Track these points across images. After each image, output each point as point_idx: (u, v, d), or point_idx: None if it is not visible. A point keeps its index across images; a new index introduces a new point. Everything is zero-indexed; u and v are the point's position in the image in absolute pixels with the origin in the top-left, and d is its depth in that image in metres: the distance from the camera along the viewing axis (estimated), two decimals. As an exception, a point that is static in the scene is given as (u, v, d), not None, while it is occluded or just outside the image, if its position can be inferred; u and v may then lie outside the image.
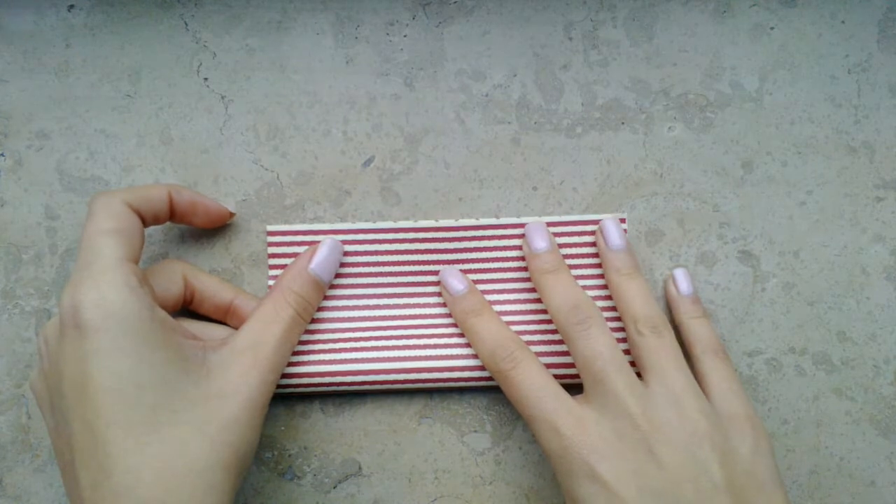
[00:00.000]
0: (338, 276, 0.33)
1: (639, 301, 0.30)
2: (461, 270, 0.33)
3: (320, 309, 0.33)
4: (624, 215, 0.33)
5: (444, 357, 0.33)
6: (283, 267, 0.33)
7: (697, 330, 0.31)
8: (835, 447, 0.33)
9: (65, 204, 0.34)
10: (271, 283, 0.33)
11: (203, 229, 0.33)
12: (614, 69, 0.34)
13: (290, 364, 0.32)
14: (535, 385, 0.29)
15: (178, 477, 0.25)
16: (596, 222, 0.33)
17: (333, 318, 0.33)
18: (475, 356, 0.32)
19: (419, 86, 0.34)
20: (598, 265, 0.33)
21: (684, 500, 0.26)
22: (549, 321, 0.33)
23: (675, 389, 0.28)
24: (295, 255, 0.33)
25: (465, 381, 0.33)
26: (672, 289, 0.33)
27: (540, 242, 0.32)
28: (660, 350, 0.29)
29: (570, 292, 0.30)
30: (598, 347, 0.29)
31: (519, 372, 0.30)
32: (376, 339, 0.33)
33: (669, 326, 0.30)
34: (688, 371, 0.29)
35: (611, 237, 0.32)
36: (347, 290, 0.33)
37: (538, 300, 0.33)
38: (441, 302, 0.33)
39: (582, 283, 0.33)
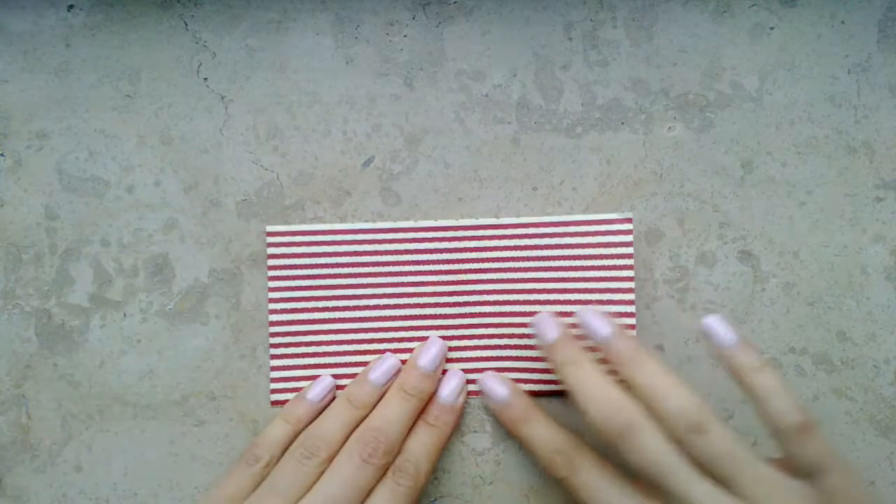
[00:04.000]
0: (338, 276, 0.33)
1: (661, 395, 0.27)
2: (461, 270, 0.33)
3: (320, 310, 0.33)
4: (630, 216, 0.33)
5: (446, 360, 0.33)
6: (283, 267, 0.33)
7: (764, 390, 0.27)
8: (835, 447, 0.33)
9: (65, 204, 0.34)
10: (271, 283, 0.33)
11: (205, 234, 0.33)
12: (614, 69, 0.34)
13: (292, 367, 0.33)
14: (598, 488, 0.28)
15: None
16: (596, 222, 0.33)
17: (333, 319, 0.33)
18: (475, 359, 0.33)
19: (419, 86, 0.34)
20: (596, 267, 0.33)
21: None
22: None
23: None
24: (294, 255, 0.33)
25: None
26: (713, 344, 0.29)
27: (551, 332, 0.30)
28: (712, 453, 0.26)
29: (604, 395, 0.27)
30: (648, 456, 0.26)
31: (580, 477, 0.28)
32: (378, 341, 0.33)
33: (708, 414, 0.26)
34: (758, 465, 0.26)
35: (595, 328, 0.29)
36: (347, 291, 0.33)
37: (537, 302, 0.33)
38: (440, 302, 0.33)
39: (579, 285, 0.33)
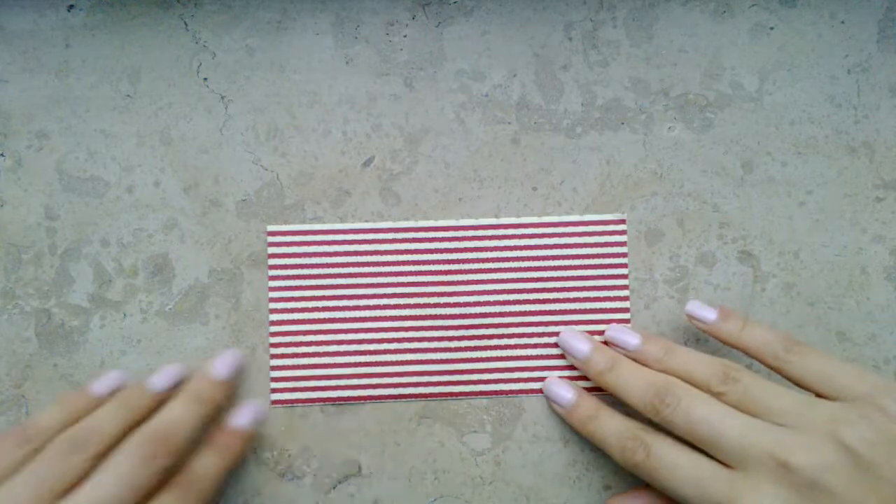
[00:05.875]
0: (338, 276, 0.33)
1: (691, 367, 0.29)
2: (461, 270, 0.33)
3: (320, 310, 0.33)
4: (624, 216, 0.33)
5: (445, 361, 0.33)
6: (283, 267, 0.33)
7: (754, 339, 0.30)
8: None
9: (65, 204, 0.34)
10: (271, 283, 0.33)
11: (205, 234, 0.33)
12: (614, 69, 0.34)
13: (292, 367, 0.33)
14: (675, 462, 0.28)
15: None
16: (591, 223, 0.33)
17: (333, 319, 0.33)
18: (474, 360, 0.33)
19: (419, 86, 0.34)
20: (593, 266, 0.33)
21: None
22: (545, 323, 0.33)
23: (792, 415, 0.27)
24: (294, 255, 0.33)
25: (464, 384, 0.33)
26: (699, 323, 0.31)
27: (582, 345, 0.32)
28: (746, 395, 0.28)
29: (639, 377, 0.30)
30: (698, 415, 0.27)
31: (653, 459, 0.28)
32: (377, 341, 0.33)
33: (734, 366, 0.29)
34: (781, 391, 0.27)
35: (625, 342, 0.32)
36: (347, 291, 0.33)
37: (536, 301, 0.33)
38: (440, 303, 0.33)
39: (576, 283, 0.33)
